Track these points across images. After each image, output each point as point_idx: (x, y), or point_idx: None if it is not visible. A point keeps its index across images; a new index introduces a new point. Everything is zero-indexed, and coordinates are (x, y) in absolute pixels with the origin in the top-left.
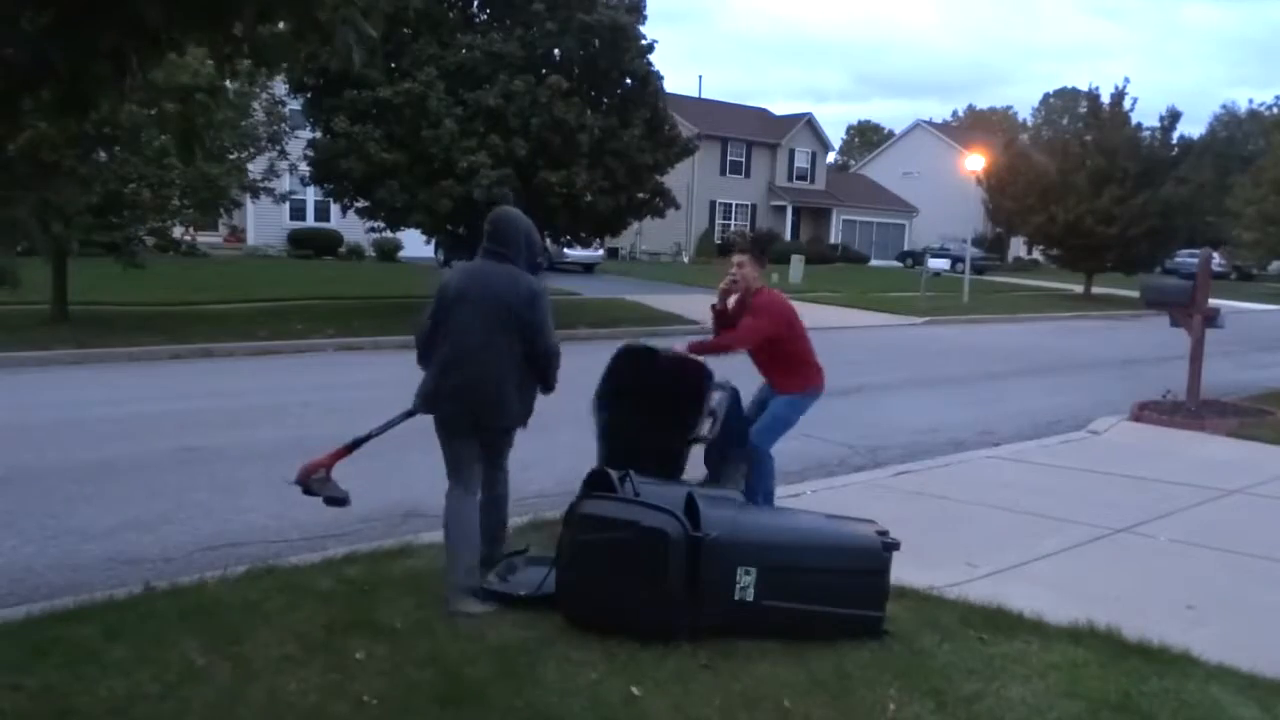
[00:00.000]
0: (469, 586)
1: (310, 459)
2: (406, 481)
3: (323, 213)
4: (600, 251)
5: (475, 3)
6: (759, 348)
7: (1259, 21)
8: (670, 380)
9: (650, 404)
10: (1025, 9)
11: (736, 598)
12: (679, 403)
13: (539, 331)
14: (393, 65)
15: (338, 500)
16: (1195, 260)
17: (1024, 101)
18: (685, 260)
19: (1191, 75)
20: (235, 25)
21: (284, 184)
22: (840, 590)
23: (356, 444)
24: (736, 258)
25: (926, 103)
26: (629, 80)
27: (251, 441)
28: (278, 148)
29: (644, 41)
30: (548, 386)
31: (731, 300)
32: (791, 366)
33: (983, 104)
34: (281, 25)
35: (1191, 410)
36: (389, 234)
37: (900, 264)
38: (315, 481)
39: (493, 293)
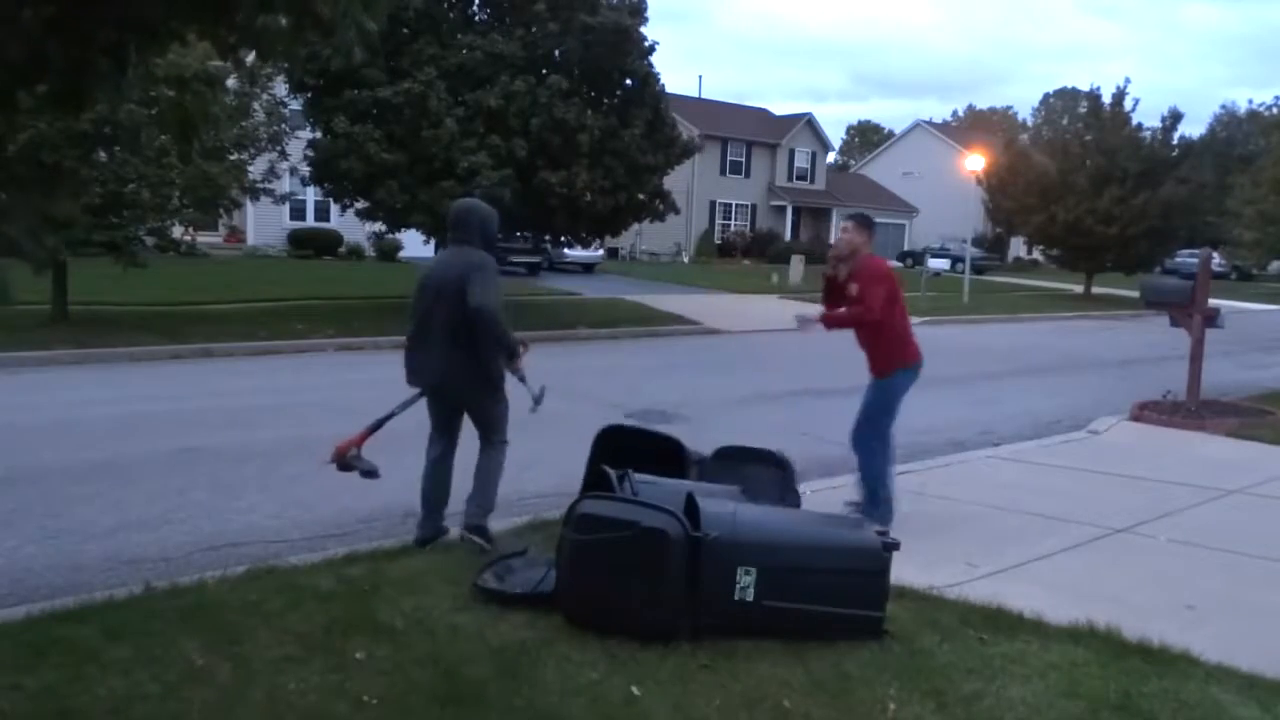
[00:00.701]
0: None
1: (341, 440)
2: (406, 481)
3: (323, 213)
4: (600, 252)
5: (475, 3)
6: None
7: (1258, 21)
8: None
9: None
10: (1024, 9)
11: (736, 598)
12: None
13: (470, 286)
14: (393, 65)
15: (372, 473)
16: (1195, 260)
17: (1024, 101)
18: (685, 260)
19: (1190, 75)
20: (236, 16)
21: (284, 185)
22: (840, 590)
23: (379, 424)
24: (843, 223)
25: (925, 102)
26: (630, 81)
27: (251, 441)
28: (278, 148)
29: (645, 43)
30: (501, 344)
31: (843, 270)
32: (890, 340)
33: (982, 104)
34: (283, 21)
35: (1191, 410)
36: (389, 235)
37: (900, 264)
38: (351, 458)
39: (443, 273)
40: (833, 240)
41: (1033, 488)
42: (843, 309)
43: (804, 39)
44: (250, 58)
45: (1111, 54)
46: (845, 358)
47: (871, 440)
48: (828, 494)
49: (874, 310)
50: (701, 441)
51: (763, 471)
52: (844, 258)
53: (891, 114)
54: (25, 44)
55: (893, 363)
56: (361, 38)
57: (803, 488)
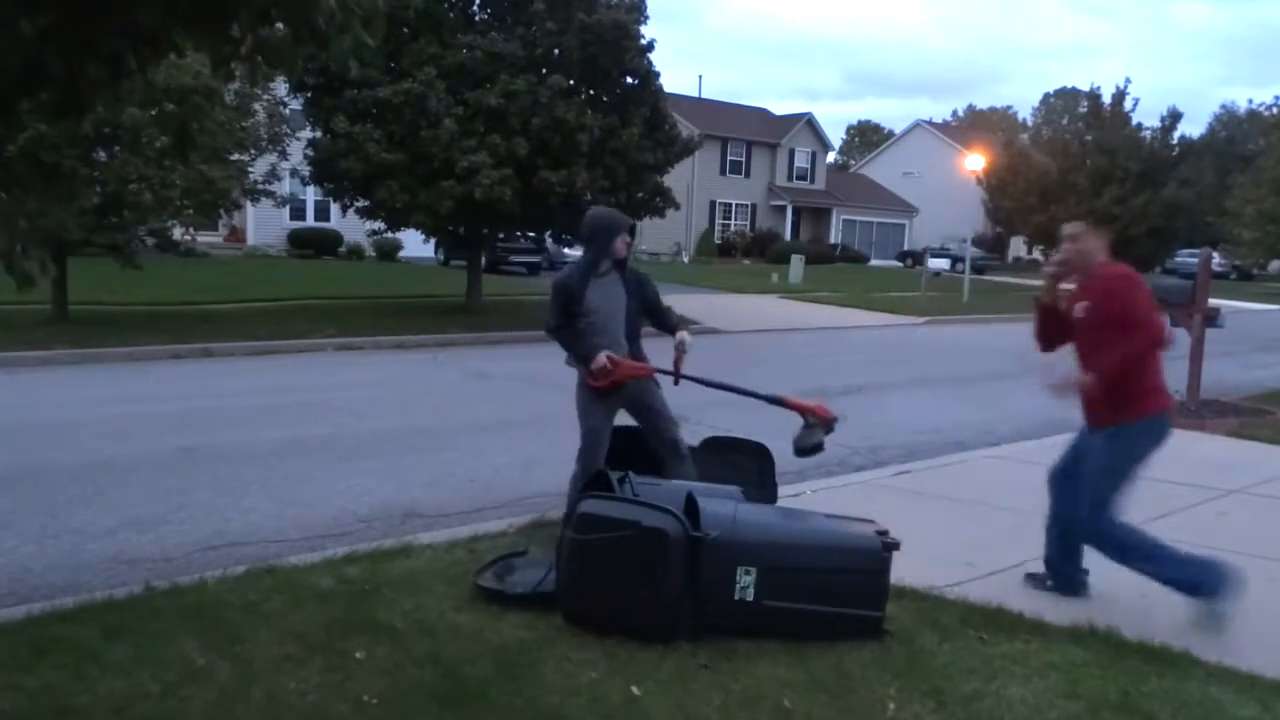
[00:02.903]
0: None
1: (811, 403)
2: (405, 481)
3: (323, 213)
4: None
5: (475, 2)
6: (1086, 348)
7: (1250, 20)
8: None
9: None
10: (1016, 7)
11: (736, 598)
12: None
13: None
14: (393, 65)
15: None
16: (1195, 260)
17: (1022, 101)
18: (685, 260)
19: (1185, 74)
20: (233, 27)
21: (284, 188)
22: (840, 590)
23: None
24: (1069, 228)
25: (919, 101)
26: (629, 79)
27: (251, 441)
28: (278, 149)
29: (644, 41)
30: (573, 354)
31: (1063, 295)
32: (1141, 371)
33: (978, 103)
34: (280, 27)
35: (1191, 410)
36: (389, 234)
37: (900, 264)
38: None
39: None
40: (1063, 246)
41: (1033, 488)
42: (1119, 350)
43: (796, 38)
44: (243, 67)
45: (1105, 53)
46: (843, 360)
47: (1104, 523)
48: (825, 494)
49: (1156, 326)
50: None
51: (745, 461)
52: (1065, 278)
53: (886, 113)
54: (23, 52)
55: (1143, 405)
56: (358, 51)
57: (803, 487)
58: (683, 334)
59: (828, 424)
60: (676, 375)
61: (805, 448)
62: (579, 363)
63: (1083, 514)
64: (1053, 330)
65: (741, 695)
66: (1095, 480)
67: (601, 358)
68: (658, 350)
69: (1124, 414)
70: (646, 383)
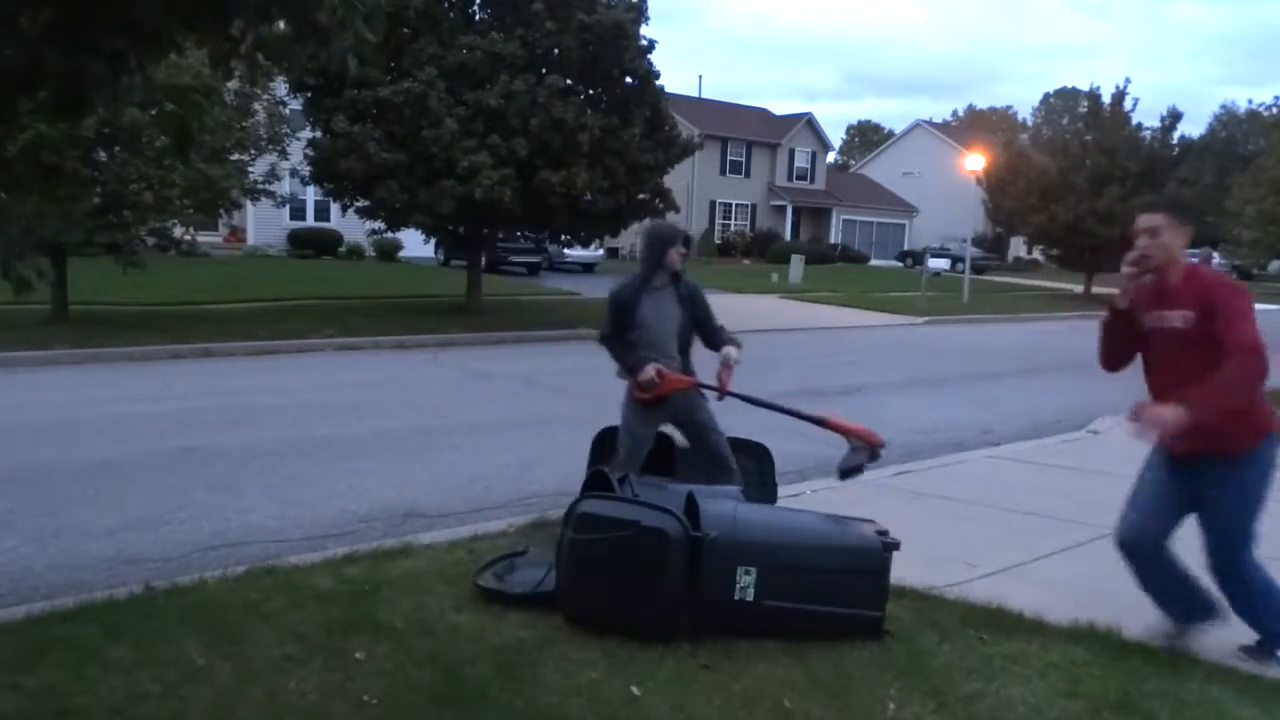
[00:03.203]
0: None
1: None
2: (405, 481)
3: (323, 213)
4: (600, 251)
5: (475, 3)
6: (1170, 368)
7: (1248, 20)
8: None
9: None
10: (1014, 7)
11: (736, 598)
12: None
13: None
14: (393, 65)
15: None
16: (1195, 259)
17: (1021, 101)
18: None
19: (1182, 74)
20: (233, 25)
21: (284, 187)
22: (840, 590)
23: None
24: (1146, 219)
25: (919, 101)
26: (629, 79)
27: (251, 441)
28: (278, 148)
29: (643, 41)
30: (620, 365)
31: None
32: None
33: (977, 103)
34: (282, 25)
35: None
36: (389, 234)
37: (900, 264)
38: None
39: None
40: (1140, 241)
41: (1033, 488)
42: (1217, 379)
43: (795, 38)
44: (243, 66)
45: (1103, 52)
46: (843, 360)
47: (1245, 562)
48: (825, 494)
49: (1259, 347)
50: None
51: (745, 460)
52: (1142, 275)
53: (885, 113)
54: (23, 50)
55: (1261, 426)
56: (359, 48)
57: (803, 487)
58: (729, 349)
59: (873, 448)
60: (722, 391)
61: (847, 470)
62: (626, 374)
63: (1220, 555)
64: (1127, 344)
65: (741, 695)
66: (1235, 515)
67: (650, 370)
68: (705, 364)
69: (1252, 435)
70: (694, 396)
